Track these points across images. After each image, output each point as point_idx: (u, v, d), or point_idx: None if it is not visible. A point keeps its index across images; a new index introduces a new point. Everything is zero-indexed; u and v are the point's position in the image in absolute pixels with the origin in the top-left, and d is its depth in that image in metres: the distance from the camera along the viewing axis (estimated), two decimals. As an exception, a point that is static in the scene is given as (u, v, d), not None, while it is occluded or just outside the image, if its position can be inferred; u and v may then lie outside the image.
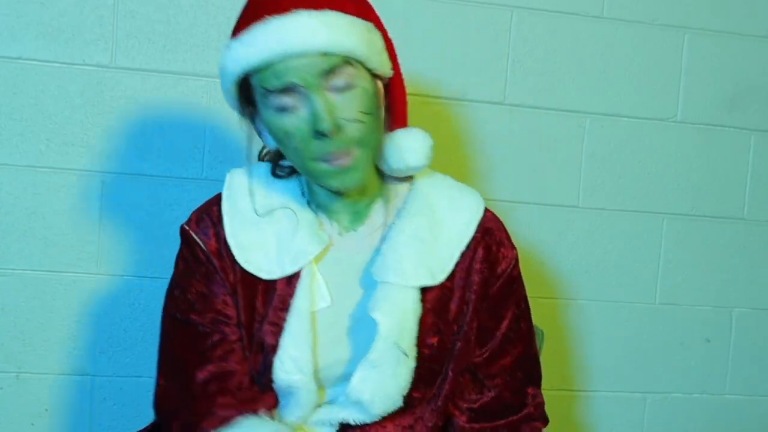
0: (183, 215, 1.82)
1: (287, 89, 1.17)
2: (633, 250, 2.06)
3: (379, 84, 1.26)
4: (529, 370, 1.42)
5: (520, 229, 1.99)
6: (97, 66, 1.80)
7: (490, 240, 1.34)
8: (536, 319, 1.42)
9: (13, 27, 1.76)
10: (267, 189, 1.31)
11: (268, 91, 1.18)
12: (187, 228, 1.32)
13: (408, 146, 1.27)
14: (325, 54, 1.15)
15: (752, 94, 2.10)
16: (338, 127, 1.17)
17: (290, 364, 1.23)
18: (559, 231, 2.02)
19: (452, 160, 1.94)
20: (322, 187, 1.27)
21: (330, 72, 1.17)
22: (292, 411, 1.28)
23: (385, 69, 1.26)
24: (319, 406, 1.30)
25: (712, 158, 2.09)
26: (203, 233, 1.30)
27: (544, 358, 1.70)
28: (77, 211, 1.80)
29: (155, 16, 1.81)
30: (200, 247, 1.30)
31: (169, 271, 1.38)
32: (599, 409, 2.06)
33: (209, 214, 1.32)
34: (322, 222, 1.31)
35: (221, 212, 1.30)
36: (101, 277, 1.81)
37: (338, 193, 1.28)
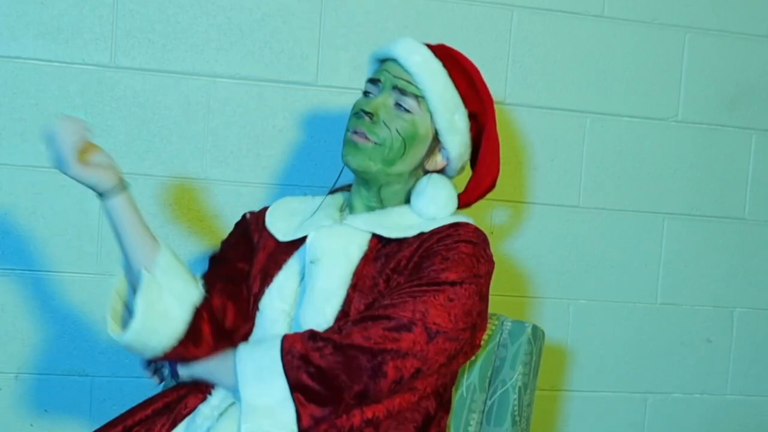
0: (183, 215, 1.83)
1: (374, 80, 1.49)
2: (633, 250, 2.06)
3: (435, 143, 1.48)
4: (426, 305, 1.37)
5: (521, 230, 1.99)
6: (97, 66, 1.80)
7: (457, 231, 1.43)
8: (537, 319, 1.42)
9: (13, 27, 1.76)
10: (318, 199, 1.59)
11: (368, 79, 1.51)
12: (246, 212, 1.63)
13: (429, 193, 1.47)
14: (409, 81, 1.44)
15: (753, 94, 2.10)
16: (375, 118, 1.44)
17: (276, 293, 1.45)
18: (559, 231, 2.02)
19: (452, 160, 1.94)
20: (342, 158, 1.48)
21: (400, 90, 1.45)
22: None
23: (453, 148, 1.48)
24: None
25: (712, 158, 2.09)
26: (252, 214, 1.60)
27: (544, 358, 1.70)
28: (77, 211, 1.80)
29: (155, 16, 1.81)
30: (246, 217, 1.60)
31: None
32: (599, 409, 2.06)
33: (263, 209, 1.60)
34: (343, 216, 1.53)
35: (268, 209, 1.60)
36: (101, 277, 1.81)
37: (355, 172, 1.49)
